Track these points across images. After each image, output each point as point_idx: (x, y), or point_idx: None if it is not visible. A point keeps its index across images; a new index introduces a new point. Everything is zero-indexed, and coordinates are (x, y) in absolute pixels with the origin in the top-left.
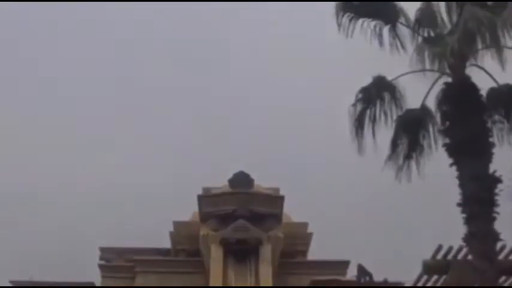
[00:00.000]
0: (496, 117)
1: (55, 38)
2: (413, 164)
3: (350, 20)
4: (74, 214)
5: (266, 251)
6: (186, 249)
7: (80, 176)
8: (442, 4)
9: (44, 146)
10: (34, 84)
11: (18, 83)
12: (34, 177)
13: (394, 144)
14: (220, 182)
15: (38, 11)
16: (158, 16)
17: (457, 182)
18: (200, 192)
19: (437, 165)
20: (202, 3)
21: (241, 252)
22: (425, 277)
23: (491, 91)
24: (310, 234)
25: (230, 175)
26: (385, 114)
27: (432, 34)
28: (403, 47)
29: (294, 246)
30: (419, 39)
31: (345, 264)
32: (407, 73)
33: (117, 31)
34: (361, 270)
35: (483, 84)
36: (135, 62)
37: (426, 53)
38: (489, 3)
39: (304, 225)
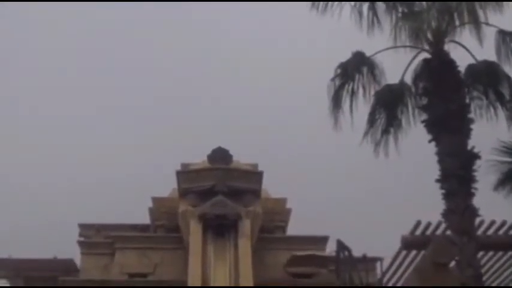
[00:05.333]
0: (475, 93)
1: None
2: (391, 138)
3: None
4: (52, 191)
5: (245, 226)
6: (165, 225)
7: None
8: None
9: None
10: None
11: None
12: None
13: (372, 119)
14: (199, 157)
15: None
16: None
17: (436, 158)
18: (179, 168)
19: (417, 141)
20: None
21: (220, 228)
22: (404, 252)
23: (470, 67)
24: (289, 210)
25: (209, 151)
26: (364, 89)
27: (411, 10)
28: (380, 22)
29: (273, 221)
30: (398, 15)
31: (324, 239)
32: (386, 49)
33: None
34: (340, 246)
35: (462, 60)
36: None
37: (405, 29)
38: None
39: (283, 200)
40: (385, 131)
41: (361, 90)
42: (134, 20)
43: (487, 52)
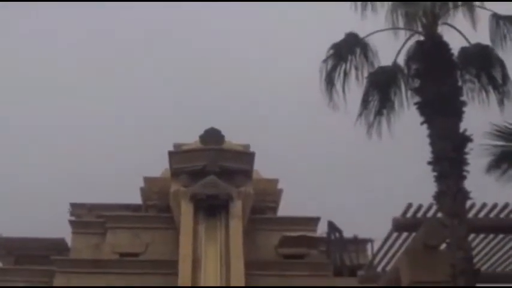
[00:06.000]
0: (467, 76)
1: None
2: (384, 120)
3: None
4: (44, 170)
5: (236, 207)
6: (156, 205)
7: (46, 130)
8: None
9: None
10: None
11: None
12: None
13: (365, 101)
14: (191, 138)
15: None
16: None
17: (428, 140)
18: (171, 148)
19: (411, 123)
20: None
21: (211, 208)
22: (395, 234)
23: (463, 50)
24: (280, 191)
25: (201, 131)
26: (357, 70)
27: None
28: (375, 5)
29: (264, 202)
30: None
31: (315, 220)
32: (379, 31)
33: None
34: (332, 227)
35: (455, 43)
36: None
37: (399, 12)
38: None
39: (275, 181)
40: (378, 113)
41: (353, 72)
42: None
43: (482, 35)
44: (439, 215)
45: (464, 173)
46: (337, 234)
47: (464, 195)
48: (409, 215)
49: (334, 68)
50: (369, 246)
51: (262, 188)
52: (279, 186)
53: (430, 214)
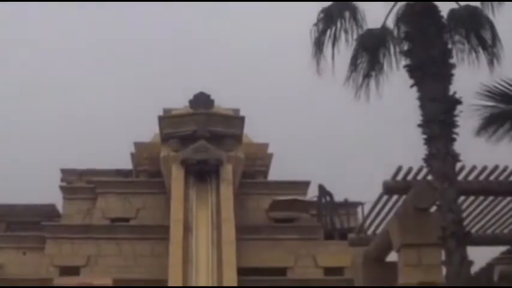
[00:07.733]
0: (457, 37)
1: None
2: (372, 82)
3: None
4: (35, 136)
5: (227, 171)
6: (147, 170)
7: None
8: None
9: None
10: None
11: None
12: None
13: (354, 64)
14: (181, 102)
15: None
16: None
17: (417, 103)
18: (161, 113)
19: (402, 85)
20: None
21: (202, 173)
22: (385, 197)
23: (452, 12)
24: (271, 155)
25: (191, 96)
26: (346, 33)
27: None
28: None
29: (255, 166)
30: None
31: (305, 184)
32: None
33: None
34: (322, 191)
35: (443, 6)
36: None
37: None
38: None
39: (265, 146)
40: (367, 75)
41: (343, 36)
42: None
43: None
44: (429, 177)
45: (454, 136)
46: (327, 198)
47: (454, 157)
48: (399, 177)
49: (323, 32)
50: (359, 209)
51: (253, 152)
52: (269, 150)
53: (420, 177)
